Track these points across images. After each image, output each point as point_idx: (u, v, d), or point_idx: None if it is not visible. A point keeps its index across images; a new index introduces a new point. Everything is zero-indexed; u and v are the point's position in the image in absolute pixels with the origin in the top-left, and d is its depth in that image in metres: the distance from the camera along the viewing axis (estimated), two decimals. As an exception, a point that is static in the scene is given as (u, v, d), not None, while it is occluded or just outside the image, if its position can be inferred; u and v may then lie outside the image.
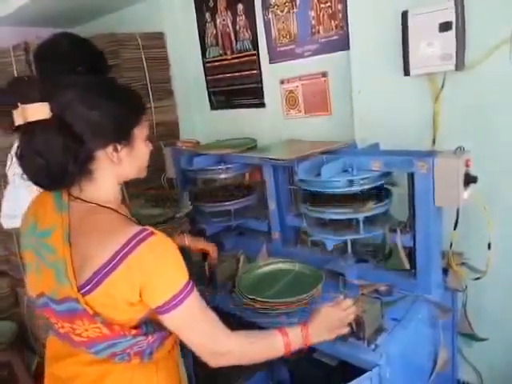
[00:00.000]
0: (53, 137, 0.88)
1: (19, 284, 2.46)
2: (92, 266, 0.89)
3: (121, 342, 0.97)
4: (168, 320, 0.95)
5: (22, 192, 1.36)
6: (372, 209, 1.44)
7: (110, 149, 0.95)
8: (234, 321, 1.49)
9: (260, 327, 1.43)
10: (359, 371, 1.15)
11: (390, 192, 1.52)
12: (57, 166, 0.89)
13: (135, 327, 0.98)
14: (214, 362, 1.01)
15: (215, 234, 2.04)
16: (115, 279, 0.89)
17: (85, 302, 0.90)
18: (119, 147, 0.97)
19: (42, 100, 0.87)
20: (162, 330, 1.02)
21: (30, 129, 0.88)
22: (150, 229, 0.92)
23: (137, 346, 0.99)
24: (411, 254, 1.44)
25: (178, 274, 0.95)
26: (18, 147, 0.92)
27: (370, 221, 1.48)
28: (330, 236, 1.50)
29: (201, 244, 1.65)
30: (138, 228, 0.92)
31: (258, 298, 1.41)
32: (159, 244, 0.92)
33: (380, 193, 1.50)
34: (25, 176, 0.93)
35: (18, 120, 0.87)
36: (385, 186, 1.51)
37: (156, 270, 0.91)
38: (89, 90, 0.94)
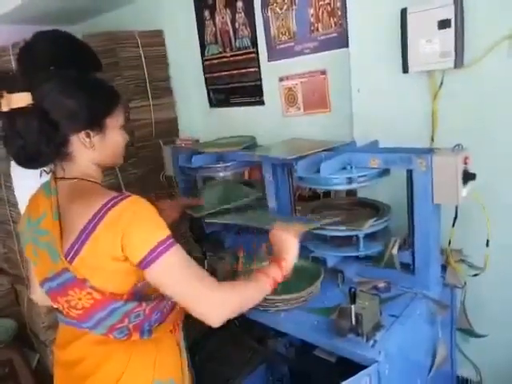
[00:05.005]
0: (31, 121, 1.00)
1: (19, 282, 2.47)
2: (74, 231, 0.99)
3: (115, 310, 1.03)
4: (149, 275, 0.99)
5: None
6: (372, 226, 1.46)
7: (82, 134, 1.07)
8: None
9: (259, 323, 1.44)
10: (358, 367, 1.15)
11: (390, 208, 1.55)
12: (32, 146, 1.01)
13: (127, 294, 1.05)
14: (212, 318, 1.01)
15: (215, 233, 2.04)
16: (97, 237, 0.97)
17: (73, 268, 0.99)
18: (92, 134, 1.08)
19: (25, 90, 0.99)
20: (158, 301, 1.11)
21: (13, 114, 1.00)
22: (127, 193, 1.02)
23: (133, 315, 1.06)
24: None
25: (155, 229, 1.00)
26: (3, 130, 1.03)
27: (370, 236, 1.50)
28: (330, 252, 1.52)
29: (183, 201, 1.83)
30: (115, 193, 1.02)
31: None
32: (135, 203, 1.01)
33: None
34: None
35: (4, 107, 1.00)
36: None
37: (133, 225, 0.98)
38: (67, 81, 1.05)
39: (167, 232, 1.01)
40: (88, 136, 1.07)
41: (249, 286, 1.13)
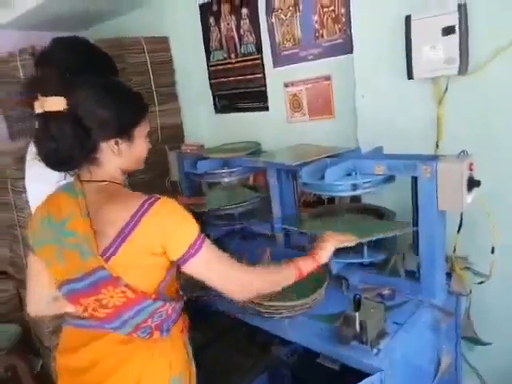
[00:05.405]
0: (65, 126, 1.01)
1: (24, 286, 2.47)
2: (111, 231, 1.02)
3: (143, 309, 1.07)
4: (190, 268, 1.07)
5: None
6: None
7: (112, 142, 1.09)
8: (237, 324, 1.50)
9: (262, 330, 1.43)
10: (362, 375, 1.14)
11: (395, 214, 1.55)
12: (65, 150, 1.03)
13: (155, 293, 1.09)
14: (239, 296, 1.17)
15: (219, 238, 2.04)
16: (135, 239, 1.01)
17: (109, 266, 1.02)
18: (120, 141, 1.11)
19: (59, 94, 1.00)
20: (176, 301, 1.17)
21: (47, 117, 1.02)
22: (157, 195, 1.07)
23: (157, 315, 1.10)
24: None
25: (191, 226, 1.08)
26: (36, 131, 1.05)
27: (374, 243, 1.49)
28: (334, 259, 1.50)
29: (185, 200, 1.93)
30: (145, 195, 1.06)
31: (264, 303, 1.40)
32: (168, 203, 1.07)
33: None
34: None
35: (38, 109, 1.02)
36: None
37: (172, 224, 1.05)
38: (101, 90, 1.07)
39: (198, 228, 1.09)
40: (117, 144, 1.10)
41: (275, 273, 1.24)
